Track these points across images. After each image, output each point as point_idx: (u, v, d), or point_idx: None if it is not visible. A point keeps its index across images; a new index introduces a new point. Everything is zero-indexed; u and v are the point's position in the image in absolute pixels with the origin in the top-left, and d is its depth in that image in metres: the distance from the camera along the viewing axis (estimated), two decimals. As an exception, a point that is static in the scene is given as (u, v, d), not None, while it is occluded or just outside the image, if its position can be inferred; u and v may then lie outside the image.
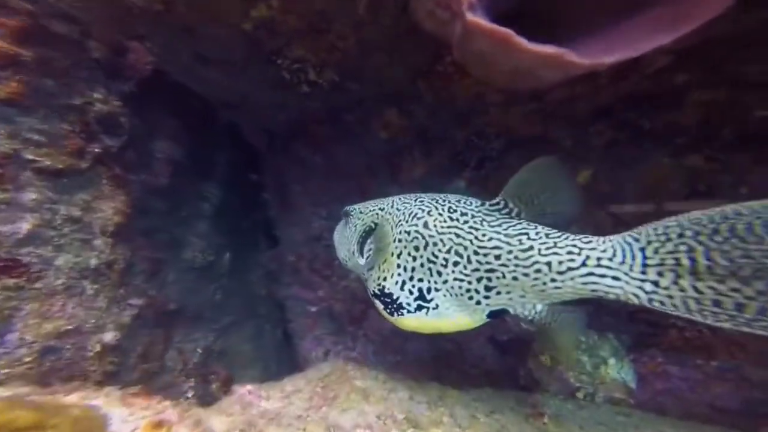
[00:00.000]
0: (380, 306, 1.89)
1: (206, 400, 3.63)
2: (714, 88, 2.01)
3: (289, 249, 3.71)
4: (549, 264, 1.57)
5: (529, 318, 1.68)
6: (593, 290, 1.51)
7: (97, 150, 2.80)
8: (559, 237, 1.60)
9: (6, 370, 2.28)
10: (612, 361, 1.83)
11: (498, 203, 1.75)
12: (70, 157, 2.66)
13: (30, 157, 2.50)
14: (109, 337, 2.73)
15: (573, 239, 1.57)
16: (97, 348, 2.66)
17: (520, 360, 2.80)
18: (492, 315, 1.72)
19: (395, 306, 1.81)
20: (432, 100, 2.62)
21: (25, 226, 2.44)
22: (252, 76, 2.61)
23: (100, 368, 2.66)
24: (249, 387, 1.84)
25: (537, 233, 1.63)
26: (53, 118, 2.61)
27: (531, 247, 1.60)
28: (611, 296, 1.48)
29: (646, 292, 1.42)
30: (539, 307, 1.67)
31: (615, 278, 1.47)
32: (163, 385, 3.31)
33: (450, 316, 1.72)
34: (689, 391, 2.03)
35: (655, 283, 1.40)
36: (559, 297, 1.61)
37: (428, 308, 1.75)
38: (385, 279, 1.84)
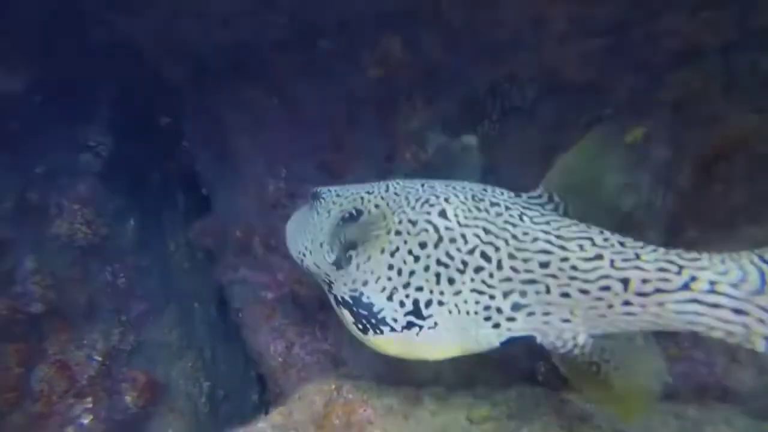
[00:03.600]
0: (349, 318, 1.52)
1: (119, 418, 2.88)
2: None
3: (234, 220, 2.85)
4: (625, 281, 1.21)
5: (564, 351, 1.32)
6: (691, 322, 1.17)
7: None
8: (642, 247, 1.24)
9: None
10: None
11: (539, 196, 1.41)
12: None
13: None
14: None
15: (666, 252, 1.21)
16: None
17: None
18: (506, 343, 1.37)
19: (374, 321, 1.44)
20: (460, 23, 1.90)
21: None
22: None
23: None
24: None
25: (606, 239, 1.27)
26: None
27: (599, 256, 1.24)
28: (718, 334, 1.15)
29: None
30: (581, 338, 1.30)
31: (738, 311, 1.12)
32: (23, 423, 2.43)
33: (448, 340, 1.37)
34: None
35: None
36: (625, 326, 1.26)
37: (421, 327, 1.38)
38: (365, 283, 1.45)
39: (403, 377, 2.04)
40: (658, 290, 1.18)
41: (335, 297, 1.59)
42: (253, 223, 2.77)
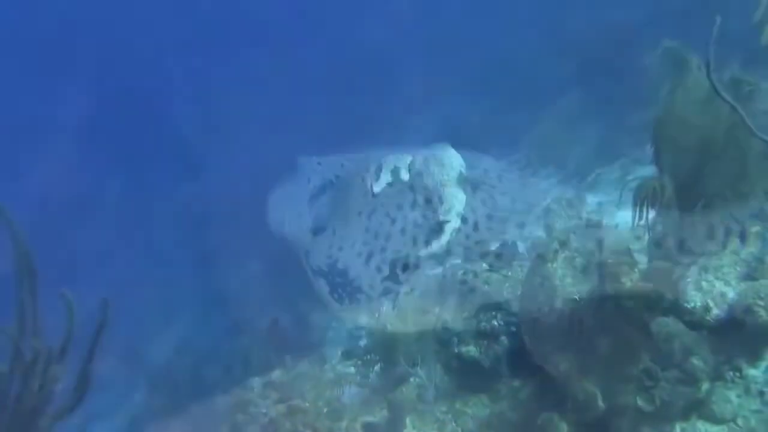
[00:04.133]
0: (324, 288, 1.48)
1: (92, 387, 2.83)
2: None
3: (224, 188, 2.76)
4: (599, 241, 1.37)
5: (534, 316, 1.34)
6: None
7: None
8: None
9: None
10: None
11: (519, 160, 1.51)
12: None
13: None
14: None
15: None
16: None
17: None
18: (482, 311, 1.38)
19: (349, 289, 1.42)
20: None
21: None
22: None
23: None
24: None
25: (579, 199, 1.42)
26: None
27: (574, 215, 1.38)
28: None
29: None
30: (558, 302, 1.37)
31: None
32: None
33: (424, 307, 1.40)
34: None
35: None
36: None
37: (398, 293, 1.37)
38: (341, 249, 1.44)
39: (387, 358, 2.03)
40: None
41: (311, 267, 1.56)
42: (244, 191, 2.66)
